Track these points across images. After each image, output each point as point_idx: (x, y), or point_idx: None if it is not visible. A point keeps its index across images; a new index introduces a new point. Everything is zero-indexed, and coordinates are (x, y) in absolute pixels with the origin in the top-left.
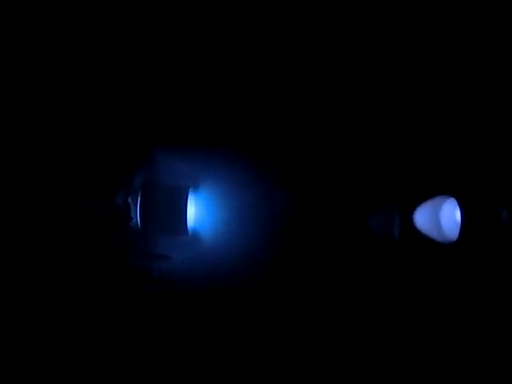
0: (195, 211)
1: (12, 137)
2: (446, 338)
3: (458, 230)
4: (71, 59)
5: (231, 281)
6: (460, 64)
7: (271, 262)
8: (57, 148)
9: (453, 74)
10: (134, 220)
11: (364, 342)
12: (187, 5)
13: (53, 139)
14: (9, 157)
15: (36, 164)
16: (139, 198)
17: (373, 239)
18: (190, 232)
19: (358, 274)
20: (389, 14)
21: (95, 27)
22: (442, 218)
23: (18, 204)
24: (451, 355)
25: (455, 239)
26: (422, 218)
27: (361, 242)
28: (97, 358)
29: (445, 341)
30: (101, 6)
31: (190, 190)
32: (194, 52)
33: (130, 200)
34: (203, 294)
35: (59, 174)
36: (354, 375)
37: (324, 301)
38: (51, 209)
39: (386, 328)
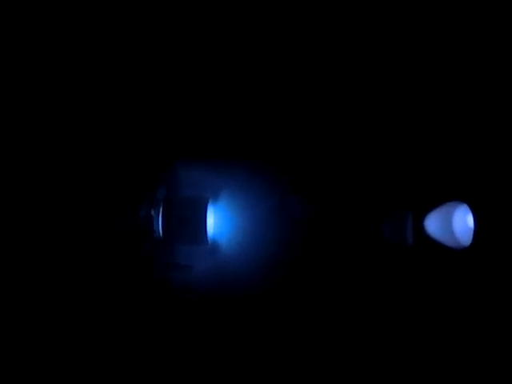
0: (214, 221)
1: (44, 154)
2: (460, 344)
3: (471, 235)
4: (99, 79)
5: (249, 288)
6: (470, 68)
7: (287, 269)
8: (87, 167)
9: (465, 78)
10: (157, 231)
11: (377, 347)
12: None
13: (84, 160)
14: (42, 174)
15: (70, 182)
16: (161, 211)
17: (386, 245)
18: (209, 241)
19: (372, 280)
20: (391, 15)
21: (124, 43)
22: (455, 223)
23: (51, 218)
24: (464, 360)
25: (468, 244)
26: (435, 223)
27: (374, 249)
28: (117, 360)
29: (457, 346)
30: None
31: (210, 201)
32: (209, 67)
33: (153, 213)
34: (222, 301)
35: (89, 190)
36: (365, 380)
37: (338, 307)
38: (82, 223)
39: (399, 333)
